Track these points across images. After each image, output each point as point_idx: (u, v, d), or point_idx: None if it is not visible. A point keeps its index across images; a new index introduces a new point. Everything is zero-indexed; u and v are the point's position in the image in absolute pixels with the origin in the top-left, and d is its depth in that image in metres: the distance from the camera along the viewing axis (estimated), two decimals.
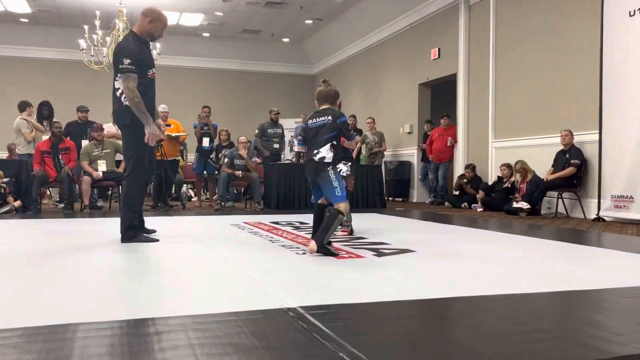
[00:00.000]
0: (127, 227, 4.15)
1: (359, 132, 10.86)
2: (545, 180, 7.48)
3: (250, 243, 4.29)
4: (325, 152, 3.76)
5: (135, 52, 4.08)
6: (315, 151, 3.78)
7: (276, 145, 9.52)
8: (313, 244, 3.59)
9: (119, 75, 4.10)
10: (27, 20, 13.36)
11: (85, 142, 8.25)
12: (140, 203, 4.40)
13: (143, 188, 4.39)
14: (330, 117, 3.80)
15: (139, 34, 4.23)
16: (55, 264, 3.31)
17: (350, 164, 4.63)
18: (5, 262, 3.35)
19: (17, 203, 7.45)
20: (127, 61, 4.02)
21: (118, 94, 4.15)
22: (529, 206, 7.42)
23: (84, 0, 11.69)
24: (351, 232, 4.80)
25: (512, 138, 8.72)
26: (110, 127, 8.77)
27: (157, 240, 4.20)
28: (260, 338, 1.80)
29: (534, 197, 7.48)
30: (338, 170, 3.89)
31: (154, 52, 10.82)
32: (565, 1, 7.78)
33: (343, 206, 3.67)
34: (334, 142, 3.79)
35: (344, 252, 3.74)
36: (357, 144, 4.55)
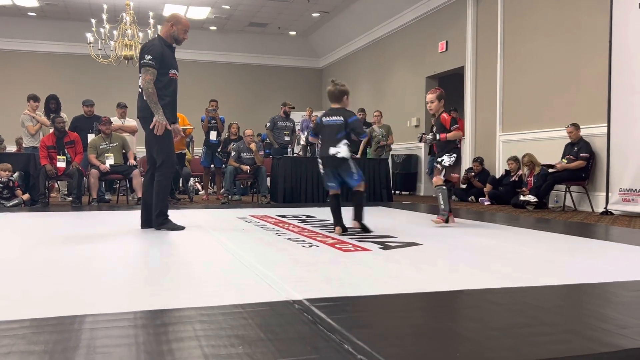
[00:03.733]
0: (157, 214, 4.55)
1: (369, 125, 10.86)
2: (556, 166, 7.39)
3: (257, 236, 4.30)
4: (344, 151, 4.29)
5: (157, 51, 4.50)
6: (335, 150, 4.29)
7: (287, 138, 9.52)
8: (339, 229, 4.27)
9: (141, 71, 4.51)
10: (34, 14, 13.41)
11: (91, 136, 8.28)
12: (169, 192, 4.95)
13: (172, 178, 4.96)
14: (342, 118, 4.31)
15: (164, 38, 4.67)
16: (62, 256, 3.33)
17: (455, 155, 4.93)
18: (14, 254, 3.38)
19: (26, 196, 7.50)
20: (148, 57, 4.46)
21: (141, 90, 4.53)
22: (536, 199, 7.39)
23: None
24: (446, 221, 4.99)
25: (520, 131, 8.68)
26: (115, 121, 8.81)
27: (184, 228, 4.57)
28: (265, 330, 1.81)
29: (542, 190, 7.45)
30: (441, 161, 4.89)
31: None
32: None
33: (362, 185, 4.41)
34: (348, 140, 4.33)
35: (350, 245, 3.74)
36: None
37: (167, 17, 4.81)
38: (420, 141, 5.21)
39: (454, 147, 4.93)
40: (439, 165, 4.92)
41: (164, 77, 4.54)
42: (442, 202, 4.86)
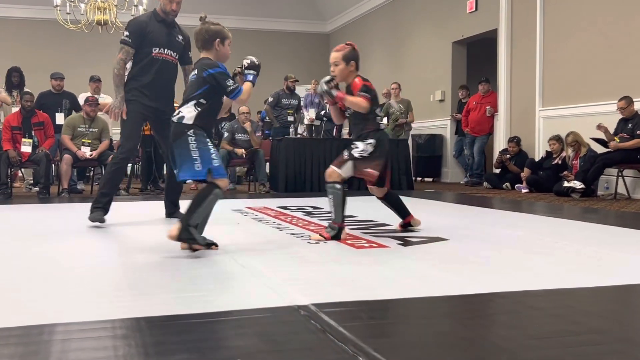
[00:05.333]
0: (95, 199, 4.66)
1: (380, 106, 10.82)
2: (609, 146, 7.33)
3: (255, 231, 4.31)
4: (186, 111, 3.39)
5: (137, 26, 4.63)
6: (177, 113, 3.44)
7: (290, 118, 9.47)
8: (174, 228, 3.23)
9: None
10: None
11: (60, 116, 8.30)
12: (116, 181, 4.86)
13: (124, 164, 4.84)
14: (195, 71, 3.49)
15: (157, 12, 4.76)
16: (28, 256, 3.35)
17: (372, 141, 3.90)
18: None
19: None
20: (125, 33, 4.61)
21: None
22: (583, 186, 7.36)
23: None
24: (335, 238, 3.79)
25: (564, 106, 8.62)
26: (104, 99, 8.75)
27: (103, 221, 4.49)
28: (266, 340, 1.82)
29: (589, 175, 7.41)
30: (352, 149, 3.84)
31: (140, 9, 10.83)
32: None
33: (221, 182, 3.32)
34: (201, 100, 3.40)
35: (364, 241, 3.74)
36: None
37: None
38: (321, 94, 4.20)
39: (373, 129, 3.94)
40: (345, 154, 3.91)
41: (145, 56, 4.63)
42: (333, 208, 3.84)
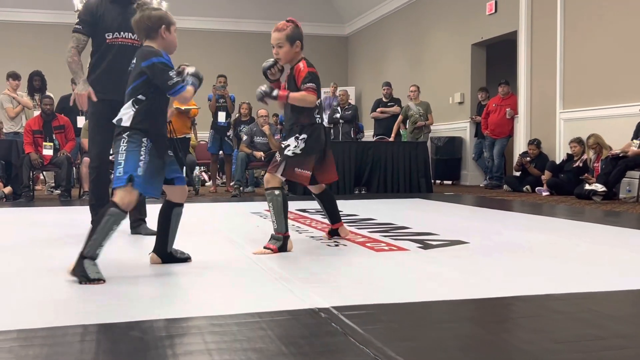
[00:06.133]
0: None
1: (396, 102, 10.80)
2: (615, 153, 7.31)
3: None
4: (125, 116, 2.97)
5: (87, 10, 4.15)
6: (119, 114, 3.02)
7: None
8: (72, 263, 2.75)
9: None
10: None
11: (81, 119, 8.37)
12: (98, 191, 4.26)
13: (97, 175, 4.26)
14: (135, 61, 3.05)
15: None
16: (51, 258, 3.38)
17: (305, 136, 3.57)
18: None
19: (7, 190, 7.63)
20: (76, 20, 4.19)
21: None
22: (604, 189, 7.29)
23: None
24: (281, 250, 3.47)
25: (585, 108, 8.55)
26: None
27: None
28: (287, 343, 1.82)
29: (611, 177, 7.34)
30: (285, 147, 3.53)
31: None
32: None
33: (119, 195, 2.84)
34: (140, 96, 2.97)
35: (384, 244, 3.73)
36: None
37: None
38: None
39: (307, 122, 3.61)
40: (278, 155, 3.62)
41: (100, 45, 4.16)
42: (274, 217, 3.51)
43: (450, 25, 11.84)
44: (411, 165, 8.87)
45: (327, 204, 3.93)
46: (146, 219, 4.30)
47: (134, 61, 3.03)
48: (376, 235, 4.11)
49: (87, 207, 4.39)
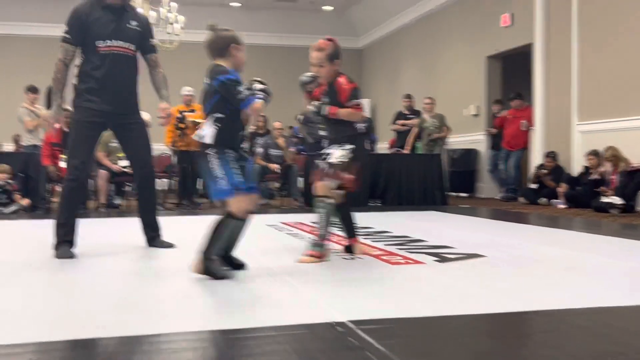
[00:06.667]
0: (54, 232, 3.90)
1: (417, 113, 10.79)
2: (635, 167, 7.28)
3: (290, 247, 4.31)
4: (208, 134, 3.15)
5: (76, 18, 3.88)
6: (199, 132, 3.20)
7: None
8: (197, 261, 3.08)
9: None
10: None
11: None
12: (71, 207, 3.96)
13: (75, 187, 3.94)
14: (207, 79, 3.20)
15: None
16: (67, 270, 3.40)
17: (352, 146, 3.68)
18: (12, 269, 3.46)
19: (26, 201, 7.69)
20: (64, 29, 3.92)
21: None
22: (622, 202, 7.24)
23: None
24: (320, 257, 3.60)
25: (602, 120, 8.49)
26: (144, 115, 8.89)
27: (72, 257, 3.75)
28: (304, 357, 1.82)
29: (629, 190, 7.29)
30: (328, 156, 3.64)
31: (177, 27, 10.99)
32: None
33: (233, 205, 3.10)
34: (218, 115, 3.15)
35: (400, 257, 3.72)
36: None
37: None
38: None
39: (351, 134, 3.72)
40: (323, 164, 3.68)
41: (91, 53, 3.89)
42: (322, 224, 3.62)
43: (465, 37, 11.83)
44: (426, 178, 8.85)
45: (345, 217, 3.93)
46: (160, 233, 4.28)
47: (206, 80, 3.18)
48: (392, 248, 4.10)
49: (104, 218, 4.34)
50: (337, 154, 3.63)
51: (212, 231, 3.07)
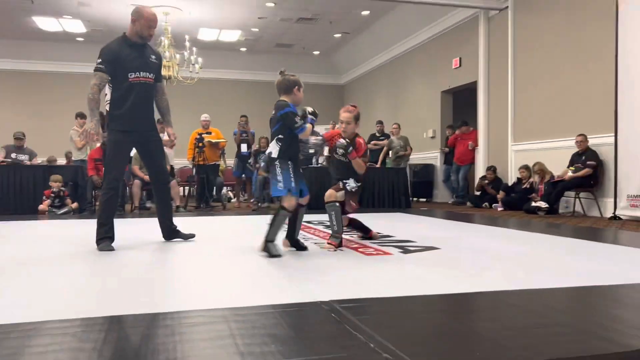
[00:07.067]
0: (96, 231, 3.85)
1: (387, 136, 10.81)
2: (556, 178, 7.37)
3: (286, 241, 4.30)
4: (274, 150, 3.48)
5: (110, 52, 3.83)
6: (268, 150, 3.53)
7: (311, 151, 9.47)
8: (261, 242, 3.41)
9: None
10: (82, 39, 13.70)
11: (133, 150, 8.37)
12: (110, 210, 3.90)
13: (113, 194, 3.90)
14: (274, 110, 3.51)
15: (128, 36, 3.92)
16: (107, 259, 3.38)
17: (360, 184, 4.01)
18: (63, 258, 3.43)
19: (75, 205, 7.63)
20: (98, 60, 3.84)
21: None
22: (547, 205, 7.28)
23: None
24: (339, 245, 3.81)
25: (531, 141, 8.56)
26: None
27: (113, 249, 3.72)
28: (296, 329, 1.81)
29: (552, 197, 7.33)
30: (346, 182, 3.89)
31: (196, 67, 10.97)
32: (581, 9, 7.61)
33: (285, 201, 3.41)
34: (280, 137, 3.47)
35: (372, 249, 3.72)
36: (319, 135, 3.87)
37: (131, 11, 3.94)
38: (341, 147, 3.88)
39: (360, 177, 4.01)
40: (340, 184, 3.95)
41: (123, 83, 3.86)
42: (334, 222, 3.84)
43: (424, 76, 11.90)
44: (394, 186, 8.85)
45: (358, 226, 4.30)
46: (178, 227, 4.24)
47: (274, 111, 3.48)
48: (366, 242, 4.10)
49: (137, 218, 4.31)
50: (352, 184, 3.94)
51: (271, 221, 3.41)
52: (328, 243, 3.81)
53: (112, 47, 3.87)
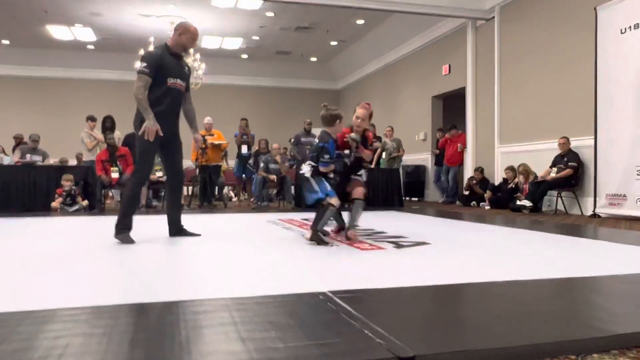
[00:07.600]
0: (117, 222, 3.90)
1: (379, 139, 10.82)
2: (539, 178, 7.39)
3: (285, 236, 4.31)
4: (306, 170, 3.84)
5: (154, 58, 3.92)
6: (302, 170, 3.89)
7: (301, 172, 9.44)
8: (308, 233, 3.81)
9: None
10: (93, 47, 13.68)
11: None
12: (135, 205, 4.05)
13: (139, 191, 4.06)
14: (317, 139, 3.89)
15: (170, 47, 4.06)
16: (116, 253, 3.37)
17: (366, 172, 4.16)
18: (77, 251, 3.43)
19: (85, 203, 7.61)
20: (142, 64, 3.89)
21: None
22: (531, 204, 7.30)
23: (141, 28, 11.91)
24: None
25: (516, 143, 8.58)
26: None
27: (134, 242, 3.79)
28: (294, 317, 1.81)
29: (536, 196, 7.35)
30: (361, 174, 4.06)
31: (200, 72, 10.97)
32: (563, 20, 7.64)
33: (332, 200, 3.74)
34: (312, 162, 3.82)
35: (367, 244, 3.73)
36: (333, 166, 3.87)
37: (176, 25, 4.16)
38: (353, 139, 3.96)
39: (367, 165, 4.16)
40: (360, 179, 4.05)
41: (161, 86, 3.93)
42: (359, 216, 3.97)
43: (416, 82, 11.92)
44: (387, 186, 8.86)
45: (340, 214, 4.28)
46: (184, 226, 4.28)
47: (316, 139, 3.88)
48: (361, 238, 4.10)
49: (144, 216, 4.34)
50: (365, 175, 4.11)
51: (318, 214, 3.76)
52: (354, 235, 3.89)
53: (156, 54, 4.01)
